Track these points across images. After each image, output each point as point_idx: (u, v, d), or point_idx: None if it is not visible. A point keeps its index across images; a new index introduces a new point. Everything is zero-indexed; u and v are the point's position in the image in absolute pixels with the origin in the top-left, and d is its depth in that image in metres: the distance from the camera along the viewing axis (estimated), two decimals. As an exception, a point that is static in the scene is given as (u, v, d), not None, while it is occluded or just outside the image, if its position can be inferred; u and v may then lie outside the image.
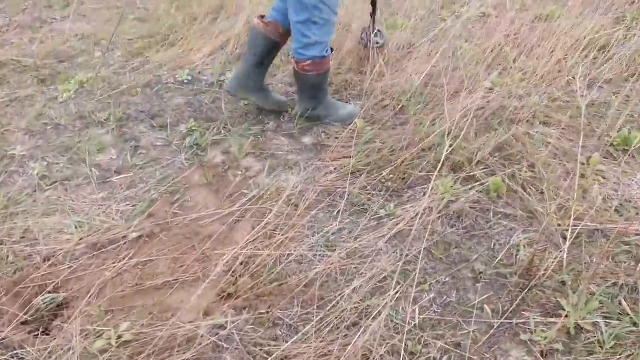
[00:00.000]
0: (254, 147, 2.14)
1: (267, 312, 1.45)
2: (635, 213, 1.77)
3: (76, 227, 1.75)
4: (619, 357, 1.30)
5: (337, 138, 2.20)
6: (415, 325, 1.42)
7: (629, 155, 2.05)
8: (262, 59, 2.21)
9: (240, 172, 2.00)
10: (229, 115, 2.34)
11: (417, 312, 1.45)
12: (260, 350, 1.36)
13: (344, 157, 2.08)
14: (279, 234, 1.70)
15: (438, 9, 3.47)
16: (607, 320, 1.39)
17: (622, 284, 1.50)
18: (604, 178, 1.95)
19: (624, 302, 1.45)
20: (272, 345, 1.37)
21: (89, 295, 1.50)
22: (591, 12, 3.05)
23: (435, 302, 1.50)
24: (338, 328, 1.40)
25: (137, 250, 1.67)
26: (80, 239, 1.71)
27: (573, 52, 2.60)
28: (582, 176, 1.92)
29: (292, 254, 1.63)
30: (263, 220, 1.71)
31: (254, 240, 1.66)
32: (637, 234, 1.64)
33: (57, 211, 1.83)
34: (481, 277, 1.56)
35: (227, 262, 1.55)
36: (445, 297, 1.51)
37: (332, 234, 1.73)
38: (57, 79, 2.69)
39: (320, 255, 1.64)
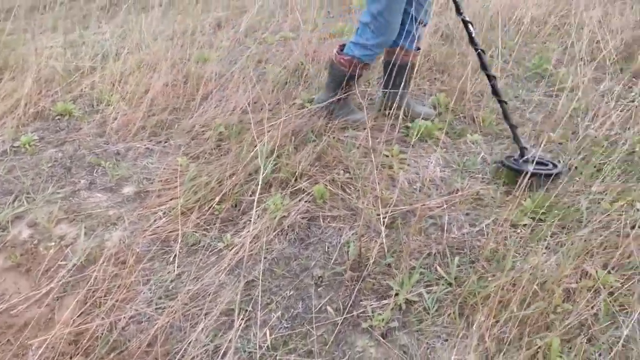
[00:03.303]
0: (65, 212, 1.94)
1: (110, 387, 1.33)
2: (435, 189, 2.04)
3: None
4: (442, 317, 1.49)
5: (160, 181, 2.12)
6: (268, 346, 1.43)
7: (423, 141, 2.37)
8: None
9: (53, 243, 1.79)
10: (30, 183, 2.09)
11: (267, 333, 1.47)
12: None
13: (172, 199, 2.02)
14: (109, 299, 1.56)
15: (242, 37, 3.60)
16: (429, 288, 1.58)
17: (435, 253, 1.72)
18: (407, 165, 2.22)
19: (438, 268, 1.66)
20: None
21: None
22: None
23: (284, 318, 1.53)
24: (190, 377, 1.34)
25: None
26: None
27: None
28: (389, 167, 2.16)
29: (127, 315, 1.51)
30: (87, 289, 1.56)
31: (81, 314, 1.51)
32: (438, 207, 1.90)
33: None
34: (321, 281, 1.65)
35: (51, 346, 1.38)
36: (292, 310, 1.55)
37: (171, 281, 1.66)
38: None
39: (160, 307, 1.56)
